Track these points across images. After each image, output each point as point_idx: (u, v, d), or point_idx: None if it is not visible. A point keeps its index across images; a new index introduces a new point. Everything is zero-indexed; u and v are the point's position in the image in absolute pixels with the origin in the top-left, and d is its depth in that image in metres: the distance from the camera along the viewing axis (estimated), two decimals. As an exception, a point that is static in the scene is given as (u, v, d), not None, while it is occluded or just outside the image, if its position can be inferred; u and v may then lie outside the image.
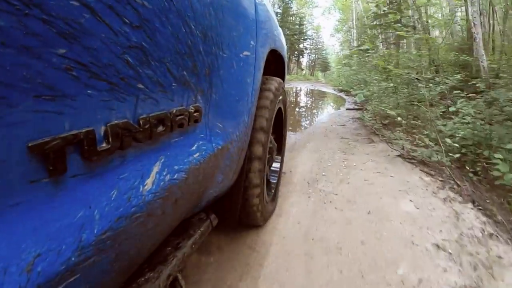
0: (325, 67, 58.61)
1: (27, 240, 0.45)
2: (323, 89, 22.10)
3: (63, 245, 0.49)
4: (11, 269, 0.42)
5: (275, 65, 2.28)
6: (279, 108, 2.22)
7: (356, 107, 10.15)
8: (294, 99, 13.30)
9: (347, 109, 10.01)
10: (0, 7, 0.37)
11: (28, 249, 0.44)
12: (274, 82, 1.96)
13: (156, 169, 0.72)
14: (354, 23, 31.79)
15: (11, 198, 0.43)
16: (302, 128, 6.74)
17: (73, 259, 0.50)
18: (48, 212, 0.48)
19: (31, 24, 0.41)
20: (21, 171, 0.44)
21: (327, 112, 9.46)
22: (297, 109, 9.92)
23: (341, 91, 18.94)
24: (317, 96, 15.79)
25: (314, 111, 10.02)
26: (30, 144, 0.43)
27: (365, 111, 8.23)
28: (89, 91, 0.51)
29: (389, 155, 4.19)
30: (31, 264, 0.44)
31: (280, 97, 2.08)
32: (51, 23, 0.43)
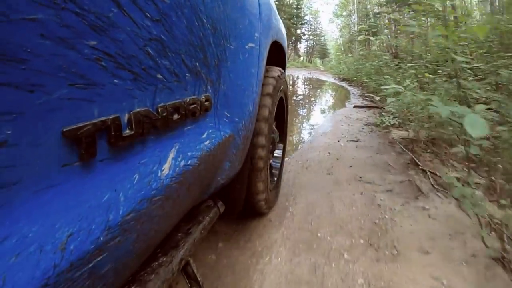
0: (323, 54, 57.11)
1: (61, 220, 0.48)
2: (322, 77, 19.86)
3: (93, 225, 0.52)
4: (46, 247, 0.44)
5: (276, 55, 2.31)
6: (281, 98, 2.25)
7: (367, 103, 8.24)
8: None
9: (354, 106, 7.79)
10: (40, 1, 0.40)
11: (61, 228, 0.47)
12: (276, 72, 1.99)
13: (172, 155, 0.75)
14: (356, 7, 30.62)
15: (46, 180, 0.46)
16: (293, 145, 4.28)
17: (101, 238, 0.53)
18: (78, 194, 0.51)
19: (66, 17, 0.44)
20: (55, 155, 0.47)
21: (329, 112, 7.19)
22: (289, 107, 6.15)
23: (343, 79, 17.04)
24: (316, 87, 13.62)
25: (313, 109, 7.86)
26: (64, 129, 0.47)
27: (383, 112, 6.30)
28: (115, 80, 0.55)
29: (474, 255, 1.85)
30: (65, 243, 0.47)
31: (282, 87, 2.11)
32: (84, 16, 0.47)
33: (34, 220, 0.45)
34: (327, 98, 10.33)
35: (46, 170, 0.46)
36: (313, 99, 9.95)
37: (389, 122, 5.27)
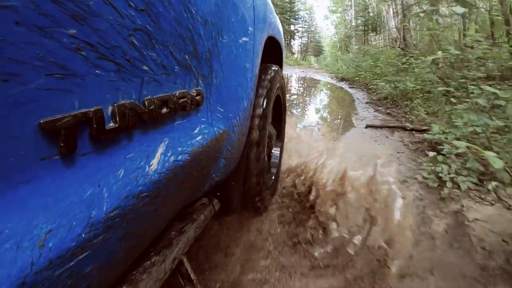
0: (318, 52, 55.99)
1: (39, 216, 0.46)
2: (317, 76, 17.57)
3: (73, 222, 0.50)
4: (23, 244, 0.43)
5: (273, 51, 2.30)
6: (278, 95, 2.23)
7: (384, 119, 5.86)
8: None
9: (367, 126, 5.24)
10: None
11: (40, 225, 0.46)
12: (272, 69, 1.98)
13: (161, 150, 0.73)
14: (353, 1, 30.05)
15: (23, 174, 0.45)
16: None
17: (83, 235, 0.51)
18: (58, 189, 0.50)
19: (43, 5, 0.42)
20: (33, 148, 0.45)
21: (329, 136, 4.55)
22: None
23: (341, 79, 14.72)
24: (311, 90, 10.91)
25: (302, 135, 4.32)
26: (41, 121, 0.45)
27: (429, 146, 3.88)
28: (97, 71, 0.53)
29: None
30: (43, 240, 0.45)
31: (278, 83, 2.10)
32: (62, 4, 0.45)
33: (10, 216, 0.43)
34: (325, 108, 7.65)
35: (22, 164, 0.45)
36: (306, 109, 7.32)
37: (461, 182, 2.83)
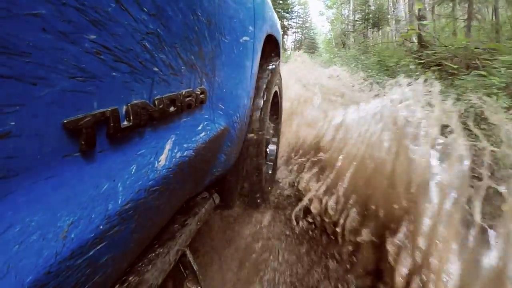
0: (312, 49, 53.93)
1: (62, 209, 0.49)
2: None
3: (92, 214, 0.53)
4: (48, 236, 0.46)
5: (271, 49, 2.33)
6: (275, 92, 2.27)
7: None
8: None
9: None
10: None
11: (63, 217, 0.49)
12: (270, 66, 2.02)
13: (168, 146, 0.77)
14: None
15: (48, 170, 0.48)
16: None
17: (101, 227, 0.55)
18: (79, 183, 0.53)
19: (67, 12, 0.46)
20: (56, 146, 0.48)
21: None
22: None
23: None
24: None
25: None
26: (65, 121, 0.48)
27: None
28: (114, 73, 0.56)
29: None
30: (66, 231, 0.48)
31: (276, 80, 2.13)
32: (84, 11, 0.48)
33: (36, 210, 0.46)
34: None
35: (47, 161, 0.48)
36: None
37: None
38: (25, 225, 0.44)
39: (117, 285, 0.76)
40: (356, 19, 28.18)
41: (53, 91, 0.45)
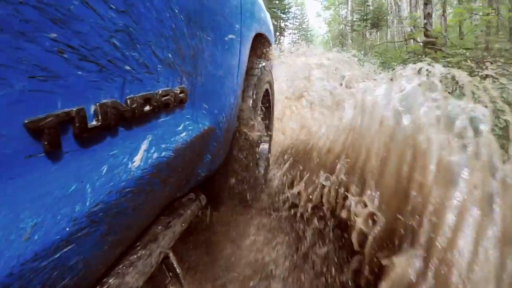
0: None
1: (25, 210, 0.48)
2: None
3: (58, 216, 0.52)
4: (11, 237, 0.45)
5: (261, 48, 2.33)
6: (266, 89, 2.26)
7: None
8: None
9: None
10: None
11: (25, 219, 0.48)
12: (261, 65, 2.01)
13: (144, 147, 0.75)
14: None
15: (10, 171, 0.47)
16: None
17: (67, 229, 0.54)
18: (44, 185, 0.52)
19: (25, 12, 0.45)
20: (18, 146, 0.47)
21: None
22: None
23: None
24: None
25: None
26: (26, 121, 0.47)
27: None
28: (79, 72, 0.55)
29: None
30: (29, 233, 0.48)
31: (267, 78, 2.13)
32: (43, 10, 0.47)
33: (-2, 211, 0.45)
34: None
35: (9, 162, 0.47)
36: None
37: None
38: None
39: (97, 287, 0.75)
40: (354, 19, 27.73)
41: (12, 91, 0.44)
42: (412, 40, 13.95)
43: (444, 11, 15.18)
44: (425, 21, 11.07)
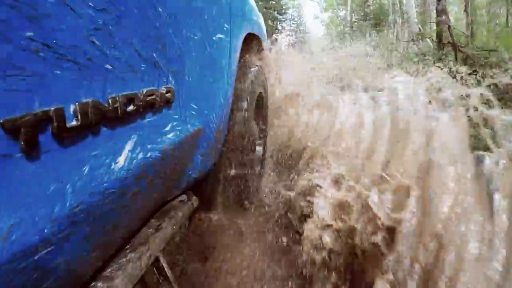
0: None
1: (2, 210, 0.48)
2: None
3: (36, 217, 0.52)
4: None
5: (254, 48, 2.33)
6: (260, 93, 2.25)
7: None
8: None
9: None
10: None
11: (2, 219, 0.47)
12: (253, 65, 2.01)
13: (128, 147, 0.74)
14: None
15: None
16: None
17: (45, 230, 0.53)
18: (21, 185, 0.51)
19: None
20: None
21: None
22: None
23: None
24: None
25: None
26: (1, 120, 0.46)
27: None
28: (57, 71, 0.54)
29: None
30: (6, 233, 0.47)
31: (260, 80, 2.12)
32: (17, 8, 0.46)
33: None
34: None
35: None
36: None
37: None
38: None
39: None
40: (354, 19, 26.85)
41: None
42: (421, 40, 13.12)
43: (467, 4, 13.17)
44: (441, 17, 10.03)
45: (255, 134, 2.31)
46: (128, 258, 0.89)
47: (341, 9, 30.95)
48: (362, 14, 24.25)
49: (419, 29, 14.57)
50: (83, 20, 0.58)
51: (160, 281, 1.07)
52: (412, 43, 13.69)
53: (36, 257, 0.52)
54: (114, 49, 0.67)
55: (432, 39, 11.87)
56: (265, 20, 2.57)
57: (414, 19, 14.81)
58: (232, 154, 1.72)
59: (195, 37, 1.05)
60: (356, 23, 25.28)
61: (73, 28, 0.57)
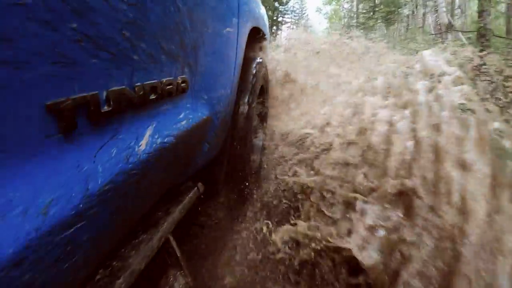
0: None
1: (43, 187, 0.52)
2: None
3: (72, 193, 0.56)
4: (30, 211, 0.49)
5: (257, 42, 2.36)
6: (261, 85, 2.29)
7: None
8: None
9: None
10: None
11: (43, 194, 0.52)
12: (256, 58, 2.05)
13: (149, 132, 0.80)
14: None
15: (31, 149, 0.51)
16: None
17: (81, 205, 0.58)
18: (60, 163, 0.56)
19: (50, 2, 0.49)
20: (39, 127, 0.51)
21: None
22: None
23: None
24: None
25: None
26: (47, 103, 0.51)
27: None
28: (94, 60, 0.59)
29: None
30: (46, 208, 0.51)
31: (262, 72, 2.16)
32: (66, 1, 0.51)
33: (19, 186, 0.49)
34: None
35: (30, 141, 0.50)
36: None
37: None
38: (8, 200, 0.47)
39: (101, 270, 0.79)
40: (362, 11, 24.66)
41: (35, 75, 0.48)
42: (449, 34, 11.43)
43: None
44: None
45: (256, 126, 2.36)
46: (140, 239, 0.94)
47: (345, 1, 29.60)
48: (372, 5, 22.42)
49: (448, 20, 12.15)
50: (117, 13, 0.63)
51: (170, 261, 1.12)
52: (439, 36, 12.05)
53: (70, 231, 0.56)
54: (141, 41, 0.73)
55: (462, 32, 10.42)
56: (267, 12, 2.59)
57: (443, 8, 12.37)
58: (233, 142, 1.77)
59: (208, 31, 1.10)
60: (363, 15, 23.72)
61: (110, 21, 0.62)
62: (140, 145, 0.76)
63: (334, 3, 32.08)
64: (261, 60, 2.12)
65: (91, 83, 0.60)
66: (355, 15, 25.42)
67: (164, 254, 1.10)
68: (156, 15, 0.78)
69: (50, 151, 0.54)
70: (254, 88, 1.91)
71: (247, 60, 1.96)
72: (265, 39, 2.45)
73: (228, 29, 1.33)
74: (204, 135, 1.21)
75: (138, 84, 0.74)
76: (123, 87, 0.69)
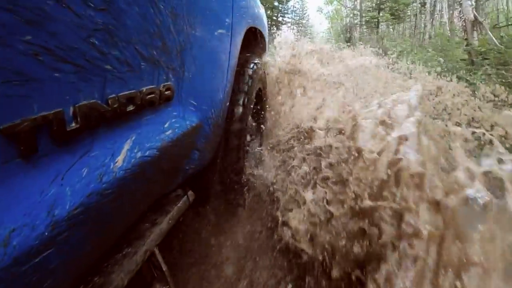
0: None
1: (3, 216, 0.48)
2: None
3: (36, 221, 0.52)
4: None
5: (254, 42, 2.31)
6: (259, 88, 2.23)
7: None
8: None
9: None
10: None
11: (4, 224, 0.48)
12: (253, 60, 1.99)
13: (127, 146, 0.74)
14: None
15: None
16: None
17: (46, 233, 0.53)
18: (21, 189, 0.51)
19: None
20: None
21: None
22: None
23: None
24: None
25: None
26: (1, 127, 0.46)
27: None
28: (56, 74, 0.54)
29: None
30: (7, 238, 0.47)
31: (259, 76, 2.10)
32: (16, 12, 0.46)
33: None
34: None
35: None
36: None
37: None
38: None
39: (82, 286, 0.75)
40: (366, 8, 23.06)
41: None
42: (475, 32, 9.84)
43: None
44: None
45: (252, 130, 2.30)
46: (124, 253, 0.90)
47: (347, 0, 28.70)
48: (377, 2, 21.03)
49: (474, 16, 10.27)
50: (82, 21, 0.58)
51: (156, 275, 1.07)
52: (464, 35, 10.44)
53: (37, 260, 0.52)
54: (114, 49, 0.67)
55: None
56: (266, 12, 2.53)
57: (468, 2, 10.35)
58: (227, 148, 1.72)
59: (196, 33, 1.04)
60: (368, 13, 22.34)
61: (73, 30, 0.56)
62: (116, 162, 0.70)
63: (335, 2, 31.73)
64: (258, 62, 2.05)
65: (53, 100, 0.55)
66: (358, 14, 24.13)
67: (150, 267, 1.06)
68: (132, 18, 0.72)
69: (10, 178, 0.50)
70: (250, 90, 1.84)
71: (243, 62, 1.90)
72: (263, 39, 2.38)
73: (220, 30, 1.27)
74: (193, 143, 1.15)
75: (112, 96, 0.69)
76: (93, 101, 0.63)
